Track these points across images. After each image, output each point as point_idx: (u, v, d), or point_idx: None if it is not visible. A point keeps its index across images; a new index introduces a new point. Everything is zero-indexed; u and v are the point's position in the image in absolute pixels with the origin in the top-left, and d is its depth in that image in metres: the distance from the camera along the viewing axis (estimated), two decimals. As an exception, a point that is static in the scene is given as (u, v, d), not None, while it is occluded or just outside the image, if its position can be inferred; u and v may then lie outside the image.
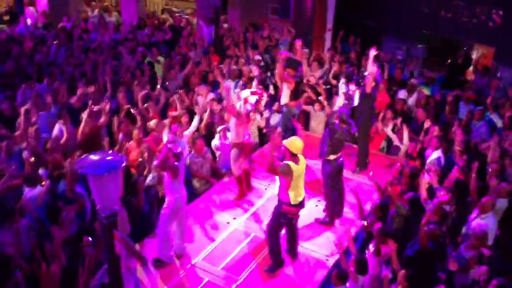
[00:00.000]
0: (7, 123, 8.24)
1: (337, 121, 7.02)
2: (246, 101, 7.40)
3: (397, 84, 10.66)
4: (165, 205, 6.12)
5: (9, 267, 5.12)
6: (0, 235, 5.74)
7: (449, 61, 12.23)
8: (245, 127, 7.48)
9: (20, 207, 6.19)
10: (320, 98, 9.68)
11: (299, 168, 5.82)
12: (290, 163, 5.76)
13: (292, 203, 5.89)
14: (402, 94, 10.21)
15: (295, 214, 6.03)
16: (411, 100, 10.06)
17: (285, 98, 8.11)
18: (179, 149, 5.95)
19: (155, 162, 7.26)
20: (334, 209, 7.17)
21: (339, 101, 9.11)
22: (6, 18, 14.99)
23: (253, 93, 7.53)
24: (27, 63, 10.97)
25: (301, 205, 6.03)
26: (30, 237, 5.96)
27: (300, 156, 5.90)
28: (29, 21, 13.60)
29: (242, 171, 7.55)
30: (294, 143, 5.84)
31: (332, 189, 7.06)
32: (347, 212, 7.41)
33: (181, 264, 6.29)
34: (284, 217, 5.99)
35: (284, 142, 5.88)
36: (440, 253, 5.88)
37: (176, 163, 5.92)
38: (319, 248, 6.71)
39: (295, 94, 8.09)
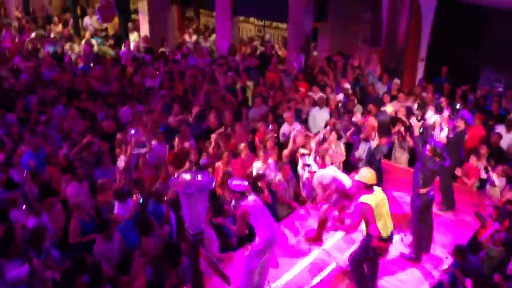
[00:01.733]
0: (108, 140, 8.86)
1: (429, 154, 6.76)
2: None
3: (494, 118, 10.11)
4: (255, 241, 5.85)
5: (100, 278, 5.43)
6: (96, 247, 6.14)
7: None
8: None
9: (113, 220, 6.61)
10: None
11: (375, 198, 5.72)
12: (364, 197, 5.70)
13: (383, 236, 5.71)
14: (499, 129, 9.65)
15: (384, 249, 5.84)
16: (508, 137, 9.47)
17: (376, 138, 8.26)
18: (242, 187, 5.82)
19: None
20: (421, 245, 6.87)
21: (441, 134, 8.72)
22: (112, 41, 16.21)
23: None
24: (128, 84, 11.75)
25: (390, 239, 5.84)
26: (120, 250, 6.29)
27: (376, 188, 5.82)
28: (132, 45, 14.59)
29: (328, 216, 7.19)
30: (366, 174, 5.78)
31: (420, 223, 6.79)
32: (432, 248, 7.11)
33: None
34: (373, 252, 5.82)
35: (356, 177, 5.85)
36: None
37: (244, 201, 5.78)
38: (403, 285, 6.45)
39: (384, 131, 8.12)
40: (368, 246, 5.82)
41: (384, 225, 5.73)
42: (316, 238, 7.24)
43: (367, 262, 6.08)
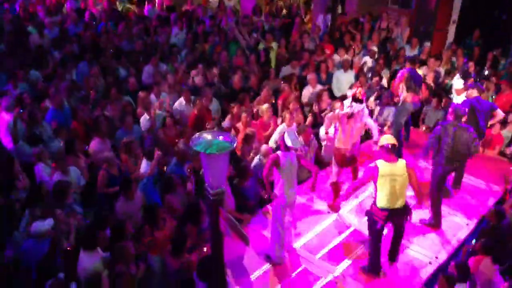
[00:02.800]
0: (132, 97, 8.88)
1: (451, 117, 6.61)
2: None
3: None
4: (275, 201, 5.99)
5: (122, 235, 5.55)
6: (118, 205, 6.24)
7: None
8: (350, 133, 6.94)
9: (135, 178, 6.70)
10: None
11: (388, 168, 5.53)
12: (379, 162, 5.58)
13: (378, 205, 5.61)
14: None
15: (380, 218, 5.62)
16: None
17: (404, 92, 7.98)
18: (289, 143, 5.80)
19: (263, 147, 7.43)
20: (439, 211, 6.80)
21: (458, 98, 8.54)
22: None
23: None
24: (151, 42, 11.67)
25: (391, 212, 5.61)
26: (141, 209, 6.36)
27: (400, 161, 5.63)
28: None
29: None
30: (387, 139, 5.68)
31: (439, 191, 6.71)
32: (454, 214, 7.06)
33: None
34: (371, 217, 5.74)
35: (378, 144, 5.75)
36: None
37: (283, 152, 5.85)
38: (423, 250, 6.44)
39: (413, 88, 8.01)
40: (369, 211, 5.79)
41: (385, 197, 5.55)
42: (333, 205, 7.13)
43: (393, 229, 5.99)
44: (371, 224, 5.77)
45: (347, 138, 6.87)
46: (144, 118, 8.27)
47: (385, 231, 5.98)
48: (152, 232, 5.70)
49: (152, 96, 8.90)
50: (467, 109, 7.07)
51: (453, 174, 7.32)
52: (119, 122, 8.09)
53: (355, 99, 6.82)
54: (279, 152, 5.89)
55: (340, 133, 6.91)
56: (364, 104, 6.98)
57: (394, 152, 5.64)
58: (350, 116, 6.79)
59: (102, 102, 8.47)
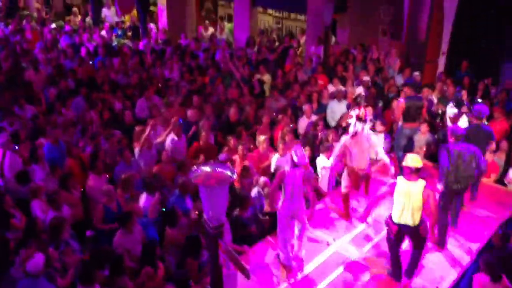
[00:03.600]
0: (126, 131, 8.88)
1: (451, 140, 6.77)
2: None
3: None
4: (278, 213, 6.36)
5: (121, 271, 5.46)
6: (116, 239, 6.16)
7: None
8: (363, 150, 7.21)
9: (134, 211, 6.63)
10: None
11: (405, 186, 5.80)
12: (400, 178, 5.90)
13: (392, 218, 5.96)
14: (523, 123, 9.46)
15: (391, 230, 6.01)
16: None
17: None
18: (295, 158, 6.11)
19: (262, 179, 7.44)
20: (445, 231, 6.91)
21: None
22: (129, 33, 16.20)
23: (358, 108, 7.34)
24: (147, 76, 11.77)
25: (402, 227, 5.92)
26: (141, 242, 6.30)
27: (420, 180, 5.84)
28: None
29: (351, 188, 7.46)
30: (407, 159, 5.93)
31: (445, 211, 6.83)
32: (455, 244, 7.07)
33: (279, 281, 6.30)
34: (386, 226, 6.11)
35: (404, 163, 5.95)
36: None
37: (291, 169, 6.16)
38: (424, 281, 6.38)
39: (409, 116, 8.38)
40: (386, 221, 6.11)
41: (398, 211, 5.87)
42: (345, 214, 7.58)
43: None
44: (387, 234, 6.18)
45: (359, 159, 7.15)
46: (137, 152, 8.26)
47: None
48: (155, 272, 5.62)
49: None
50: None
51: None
52: (117, 157, 8.06)
53: (359, 118, 7.08)
54: (286, 168, 6.21)
55: (353, 155, 7.16)
56: (368, 125, 7.28)
57: (417, 174, 5.84)
58: (354, 135, 7.09)
59: (96, 137, 8.46)
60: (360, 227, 7.37)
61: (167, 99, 10.41)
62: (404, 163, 5.95)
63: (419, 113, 8.52)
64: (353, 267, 6.59)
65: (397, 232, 5.96)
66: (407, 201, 5.78)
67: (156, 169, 7.95)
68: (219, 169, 4.09)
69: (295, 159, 6.08)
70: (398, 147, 8.64)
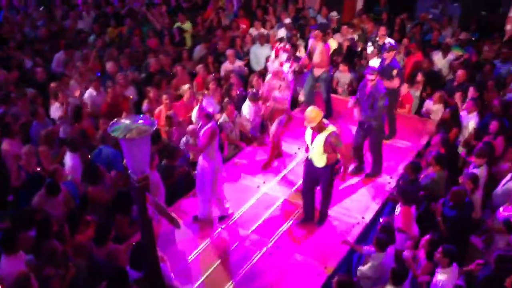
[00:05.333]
0: (40, 89, 8.37)
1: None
2: (281, 64, 7.27)
3: (431, 47, 10.31)
4: (202, 171, 6.14)
5: (49, 232, 5.27)
6: (35, 199, 5.90)
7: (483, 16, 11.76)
8: (288, 91, 7.33)
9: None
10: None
11: (308, 133, 5.97)
12: (332, 127, 5.88)
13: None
14: (437, 55, 9.89)
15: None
16: (445, 62, 9.74)
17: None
18: (210, 109, 5.89)
19: (190, 127, 7.32)
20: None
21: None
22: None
23: (283, 50, 7.36)
24: (57, 29, 11.04)
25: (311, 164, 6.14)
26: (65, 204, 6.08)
27: (324, 131, 5.84)
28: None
29: (278, 138, 7.47)
30: (310, 114, 5.75)
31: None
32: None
33: (212, 228, 6.37)
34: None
35: (305, 123, 5.82)
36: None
37: (209, 124, 5.90)
38: (350, 212, 6.69)
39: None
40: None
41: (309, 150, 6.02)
42: (266, 164, 7.54)
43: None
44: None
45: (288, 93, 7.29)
46: (55, 107, 7.85)
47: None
48: (72, 235, 5.45)
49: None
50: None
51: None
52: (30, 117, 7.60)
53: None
54: (213, 123, 5.96)
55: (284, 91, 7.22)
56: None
57: (317, 129, 5.81)
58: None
59: (7, 99, 7.89)
60: (288, 168, 7.53)
61: (81, 52, 9.85)
62: (307, 123, 5.82)
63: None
64: (283, 207, 6.78)
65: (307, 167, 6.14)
66: (310, 145, 5.96)
67: (77, 126, 7.61)
68: (139, 121, 3.96)
69: (210, 109, 5.90)
70: (308, 93, 8.55)
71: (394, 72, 7.65)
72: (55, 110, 7.85)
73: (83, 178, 6.42)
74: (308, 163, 6.15)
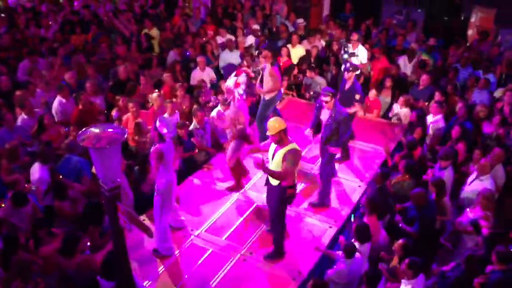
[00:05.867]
0: (4, 98, 8.16)
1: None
2: (237, 85, 6.86)
3: (397, 52, 10.53)
4: (155, 192, 5.76)
5: (17, 244, 5.14)
6: (2, 213, 5.74)
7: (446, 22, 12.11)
8: (245, 111, 6.96)
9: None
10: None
11: (271, 149, 5.50)
12: (294, 144, 5.36)
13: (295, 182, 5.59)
14: (402, 60, 10.10)
15: (293, 194, 5.64)
16: (411, 66, 9.97)
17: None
18: (164, 130, 5.61)
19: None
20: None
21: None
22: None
23: (238, 73, 6.89)
24: (21, 36, 10.80)
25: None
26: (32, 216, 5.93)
27: (286, 147, 5.38)
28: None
29: (237, 162, 7.05)
30: (274, 124, 5.33)
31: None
32: (345, 178, 7.51)
33: (184, 236, 6.32)
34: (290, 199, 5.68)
35: (268, 132, 5.40)
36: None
37: (161, 144, 5.60)
38: (322, 217, 6.73)
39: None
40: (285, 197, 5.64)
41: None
42: (235, 187, 7.20)
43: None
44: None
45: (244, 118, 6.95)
46: (22, 118, 7.67)
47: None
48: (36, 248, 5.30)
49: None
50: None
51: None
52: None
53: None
54: (161, 145, 5.58)
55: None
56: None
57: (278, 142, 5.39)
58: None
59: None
60: (258, 175, 7.54)
61: (47, 60, 9.66)
62: (269, 133, 5.36)
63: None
64: (256, 213, 6.77)
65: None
66: (271, 160, 5.51)
67: (45, 136, 7.46)
68: (109, 129, 3.91)
69: (164, 130, 5.58)
70: (263, 117, 7.69)
71: (357, 97, 7.33)
72: (22, 121, 7.66)
73: (51, 192, 6.29)
74: (266, 179, 5.72)
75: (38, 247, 5.31)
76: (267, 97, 7.61)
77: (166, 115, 7.91)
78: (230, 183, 7.32)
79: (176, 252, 6.05)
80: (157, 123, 5.60)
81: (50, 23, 11.48)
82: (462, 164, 7.23)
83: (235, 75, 6.89)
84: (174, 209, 6.17)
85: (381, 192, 6.42)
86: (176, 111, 8.08)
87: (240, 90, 6.80)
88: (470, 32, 11.86)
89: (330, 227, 6.54)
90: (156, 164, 5.56)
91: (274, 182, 5.51)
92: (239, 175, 7.20)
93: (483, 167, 6.50)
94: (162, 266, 5.84)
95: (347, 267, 5.34)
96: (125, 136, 3.90)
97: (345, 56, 8.34)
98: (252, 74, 6.99)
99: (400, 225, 6.13)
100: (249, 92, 7.10)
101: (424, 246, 5.72)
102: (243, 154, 7.09)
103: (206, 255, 6.03)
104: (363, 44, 10.09)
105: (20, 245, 5.25)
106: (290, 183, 5.46)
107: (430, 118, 8.03)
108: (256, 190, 7.22)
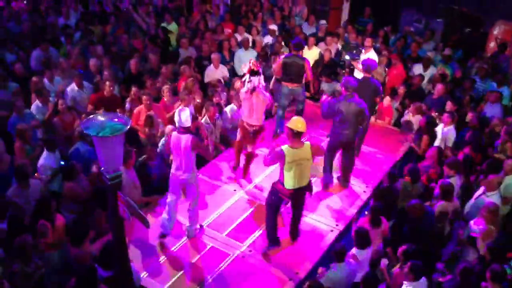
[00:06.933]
0: (20, 83, 8.31)
1: (343, 91, 6.92)
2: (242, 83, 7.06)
3: (412, 59, 10.45)
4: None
5: (21, 225, 5.24)
6: (9, 192, 5.85)
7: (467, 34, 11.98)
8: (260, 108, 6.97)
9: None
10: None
11: (294, 154, 5.59)
12: (285, 148, 5.58)
13: (286, 186, 5.69)
14: (417, 68, 10.03)
15: (285, 195, 5.77)
16: (427, 75, 9.89)
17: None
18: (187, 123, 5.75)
19: (168, 128, 7.31)
20: (329, 170, 7.29)
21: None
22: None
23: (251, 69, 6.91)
24: (41, 24, 10.98)
25: (296, 191, 5.75)
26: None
27: (306, 143, 5.74)
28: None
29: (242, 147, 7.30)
30: (296, 122, 5.66)
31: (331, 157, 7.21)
32: (351, 182, 7.49)
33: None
34: (275, 194, 5.84)
35: (288, 124, 5.71)
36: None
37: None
38: (324, 219, 6.74)
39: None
40: (273, 188, 5.86)
41: (293, 179, 5.64)
42: (235, 165, 7.51)
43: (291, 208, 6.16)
44: (274, 200, 5.89)
45: (248, 114, 6.94)
46: (36, 105, 7.81)
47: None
48: (52, 226, 5.40)
49: (46, 82, 8.45)
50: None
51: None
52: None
53: (252, 72, 6.78)
54: (174, 133, 5.82)
55: (244, 108, 6.97)
56: (261, 76, 6.94)
57: (299, 137, 5.66)
58: (253, 90, 6.79)
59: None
60: (265, 173, 7.56)
61: (64, 49, 9.80)
62: (288, 125, 5.68)
63: (297, 74, 8.07)
64: (259, 211, 6.75)
65: (291, 196, 5.81)
66: (300, 167, 5.63)
67: (56, 120, 7.59)
68: (114, 119, 3.97)
69: (177, 122, 5.73)
70: (279, 105, 8.36)
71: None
72: (36, 108, 7.81)
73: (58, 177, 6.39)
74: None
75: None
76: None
77: (181, 106, 7.89)
78: (234, 181, 7.37)
79: (176, 246, 6.11)
80: (183, 116, 5.67)
81: (71, 12, 11.61)
82: (471, 173, 7.17)
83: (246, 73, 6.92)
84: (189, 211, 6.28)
85: (388, 194, 6.41)
86: (191, 104, 8.11)
87: (256, 80, 6.83)
88: (491, 44, 11.72)
89: (332, 230, 6.54)
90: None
91: (309, 178, 5.84)
92: (239, 154, 7.39)
93: (491, 183, 6.42)
94: (162, 257, 5.90)
95: (337, 271, 5.33)
96: (129, 126, 3.96)
97: (347, 57, 8.39)
98: (257, 67, 6.93)
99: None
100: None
101: (424, 254, 5.66)
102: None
103: (206, 250, 6.08)
104: (380, 51, 10.06)
105: (24, 226, 5.36)
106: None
107: (440, 128, 7.96)
108: (260, 188, 7.25)
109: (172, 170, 5.95)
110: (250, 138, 7.10)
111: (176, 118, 5.79)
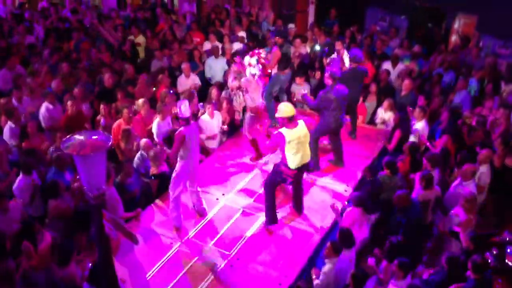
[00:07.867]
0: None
1: (329, 82, 7.18)
2: (250, 65, 7.44)
3: (378, 57, 10.63)
4: (174, 172, 6.32)
5: (4, 250, 5.11)
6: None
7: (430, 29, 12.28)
8: (258, 91, 7.57)
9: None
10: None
11: (293, 133, 5.97)
12: (283, 129, 6.00)
13: (290, 166, 6.12)
14: (386, 65, 10.20)
15: (289, 175, 6.24)
16: (394, 72, 10.06)
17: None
18: (187, 113, 6.04)
19: (143, 140, 7.25)
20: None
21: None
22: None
23: (251, 55, 7.49)
24: (6, 44, 10.75)
25: (299, 169, 6.22)
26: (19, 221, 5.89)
27: (300, 122, 6.10)
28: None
29: (256, 134, 7.71)
30: (284, 109, 6.05)
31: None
32: (332, 183, 7.56)
33: (172, 242, 6.33)
34: (280, 175, 6.27)
35: (277, 114, 6.07)
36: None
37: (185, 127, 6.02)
38: (308, 221, 6.77)
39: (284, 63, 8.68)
40: (277, 170, 6.29)
41: (297, 158, 6.09)
42: (256, 156, 7.93)
43: (292, 187, 6.65)
44: (278, 180, 6.36)
45: (258, 94, 7.54)
46: (9, 126, 7.63)
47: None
48: (35, 248, 5.27)
49: (14, 102, 8.28)
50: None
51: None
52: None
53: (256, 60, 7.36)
54: (181, 128, 6.03)
55: (252, 93, 7.45)
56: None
57: (293, 120, 6.04)
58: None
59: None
60: (245, 180, 7.58)
61: (31, 68, 9.62)
62: (278, 114, 6.08)
63: (289, 61, 9.02)
64: (243, 218, 6.80)
65: (295, 175, 6.26)
66: (300, 145, 6.06)
67: (26, 144, 7.42)
68: (94, 137, 3.92)
69: (180, 113, 6.03)
70: (269, 94, 8.63)
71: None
72: (10, 130, 7.63)
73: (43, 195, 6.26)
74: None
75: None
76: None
77: (157, 119, 7.91)
78: (218, 188, 7.35)
79: (164, 258, 6.05)
80: (183, 107, 5.96)
81: (36, 30, 11.43)
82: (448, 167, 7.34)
83: (250, 56, 7.44)
84: (196, 193, 6.67)
85: (372, 186, 6.52)
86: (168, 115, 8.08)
87: (253, 70, 7.35)
88: (453, 38, 12.02)
89: (316, 231, 6.57)
90: (177, 146, 6.00)
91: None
92: (257, 145, 7.78)
93: (466, 173, 6.58)
94: (149, 274, 5.82)
95: (333, 265, 5.38)
96: (110, 142, 3.92)
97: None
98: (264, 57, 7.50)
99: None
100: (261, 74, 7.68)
101: (409, 247, 5.75)
102: (256, 130, 7.68)
103: (193, 261, 6.02)
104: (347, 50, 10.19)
105: (6, 251, 5.22)
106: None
107: (413, 124, 8.11)
108: (243, 195, 7.25)
109: (185, 163, 6.16)
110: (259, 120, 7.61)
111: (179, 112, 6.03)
